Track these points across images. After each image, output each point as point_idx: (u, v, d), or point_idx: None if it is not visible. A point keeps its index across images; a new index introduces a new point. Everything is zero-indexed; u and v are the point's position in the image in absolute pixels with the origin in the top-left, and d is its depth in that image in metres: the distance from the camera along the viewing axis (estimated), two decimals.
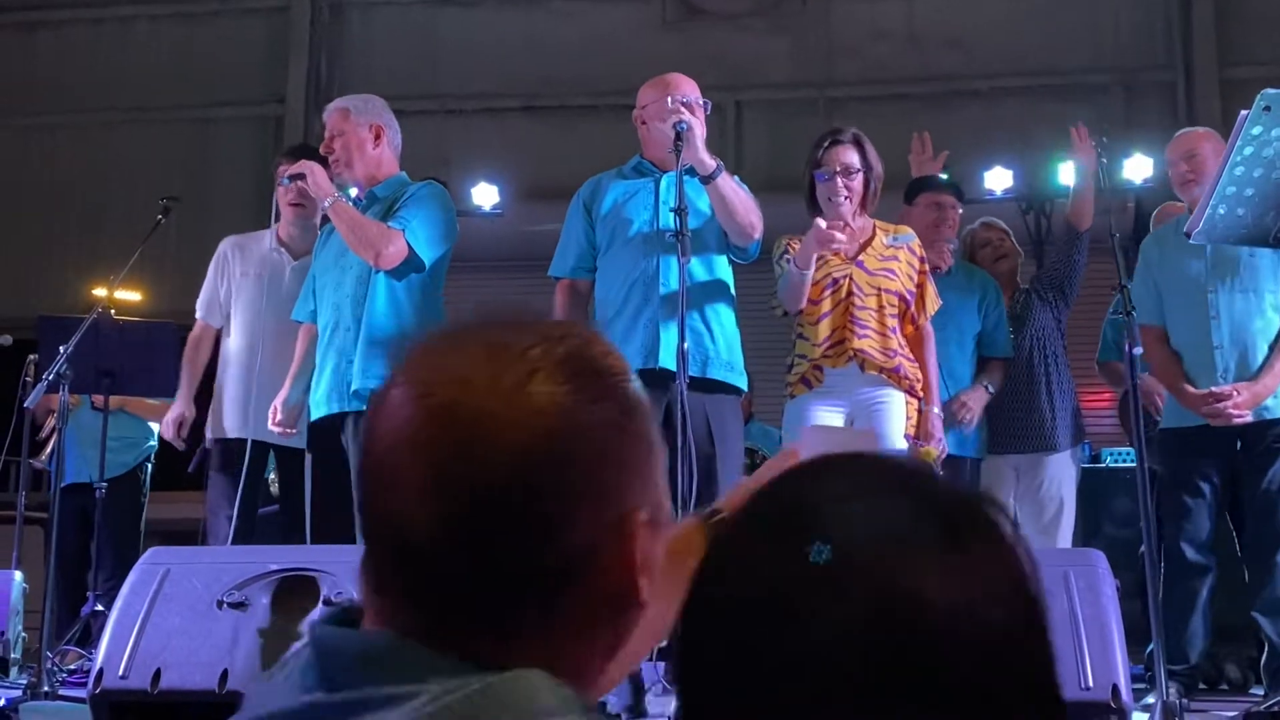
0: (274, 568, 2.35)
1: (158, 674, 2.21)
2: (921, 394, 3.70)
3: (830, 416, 3.63)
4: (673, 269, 3.44)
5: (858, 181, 3.73)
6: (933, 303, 3.81)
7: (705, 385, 3.39)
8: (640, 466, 0.77)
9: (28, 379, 5.20)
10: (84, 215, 7.68)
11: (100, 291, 4.74)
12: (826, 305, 3.67)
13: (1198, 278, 3.71)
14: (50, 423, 5.13)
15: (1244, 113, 2.62)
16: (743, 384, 3.61)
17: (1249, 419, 3.60)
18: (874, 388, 3.64)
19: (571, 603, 0.73)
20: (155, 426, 5.26)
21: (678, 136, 3.34)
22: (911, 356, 3.71)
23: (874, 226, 3.81)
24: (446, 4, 8.66)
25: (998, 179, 6.87)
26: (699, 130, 3.40)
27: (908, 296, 3.74)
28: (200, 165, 8.07)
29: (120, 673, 2.21)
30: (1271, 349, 3.66)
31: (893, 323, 3.69)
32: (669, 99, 3.56)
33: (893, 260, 3.74)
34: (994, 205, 6.50)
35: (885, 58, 8.14)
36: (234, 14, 8.57)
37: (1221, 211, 2.68)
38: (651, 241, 3.54)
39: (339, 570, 2.34)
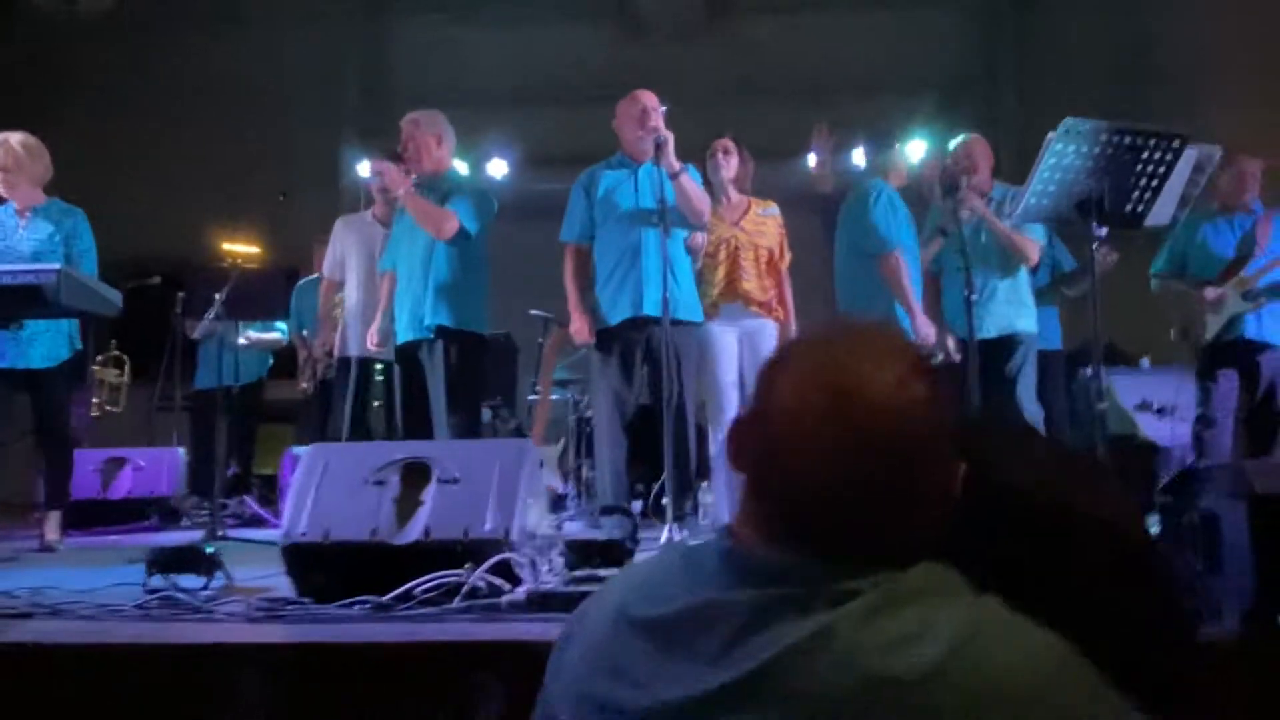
0: (400, 457, 2.43)
1: (327, 530, 2.31)
2: (783, 318, 3.86)
3: (727, 337, 3.76)
4: (651, 240, 3.51)
5: (734, 157, 3.85)
6: (786, 254, 3.94)
7: (674, 322, 3.43)
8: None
9: (178, 311, 5.20)
10: (211, 186, 7.51)
11: (234, 246, 4.71)
12: (721, 257, 3.80)
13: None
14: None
15: (1051, 134, 2.73)
16: (698, 317, 3.65)
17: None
18: (755, 318, 3.79)
19: (930, 522, 0.76)
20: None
21: (658, 146, 3.39)
22: (775, 292, 3.85)
23: (749, 201, 3.90)
24: (457, 23, 8.51)
25: (859, 157, 6.96)
26: (671, 141, 3.42)
27: (774, 251, 3.87)
28: (284, 152, 7.90)
29: (302, 530, 2.31)
30: None
31: (765, 268, 3.83)
32: (645, 111, 3.58)
33: (763, 225, 3.87)
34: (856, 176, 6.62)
35: (778, 67, 8.14)
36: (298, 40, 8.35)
37: (1033, 201, 2.81)
38: (634, 219, 3.58)
39: (443, 458, 2.43)
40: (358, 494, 2.36)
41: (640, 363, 3.55)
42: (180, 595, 2.33)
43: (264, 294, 4.21)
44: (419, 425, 3.63)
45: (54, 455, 3.83)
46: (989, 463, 0.80)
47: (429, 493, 2.37)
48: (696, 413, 3.71)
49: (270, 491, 5.35)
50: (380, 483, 2.38)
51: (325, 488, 2.38)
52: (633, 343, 3.54)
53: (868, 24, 8.18)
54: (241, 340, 4.78)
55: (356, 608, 2.20)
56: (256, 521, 4.75)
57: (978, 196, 3.74)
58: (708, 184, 3.76)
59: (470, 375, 3.61)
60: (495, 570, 2.26)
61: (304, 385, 5.33)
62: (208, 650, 2.00)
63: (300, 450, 5.12)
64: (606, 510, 3.49)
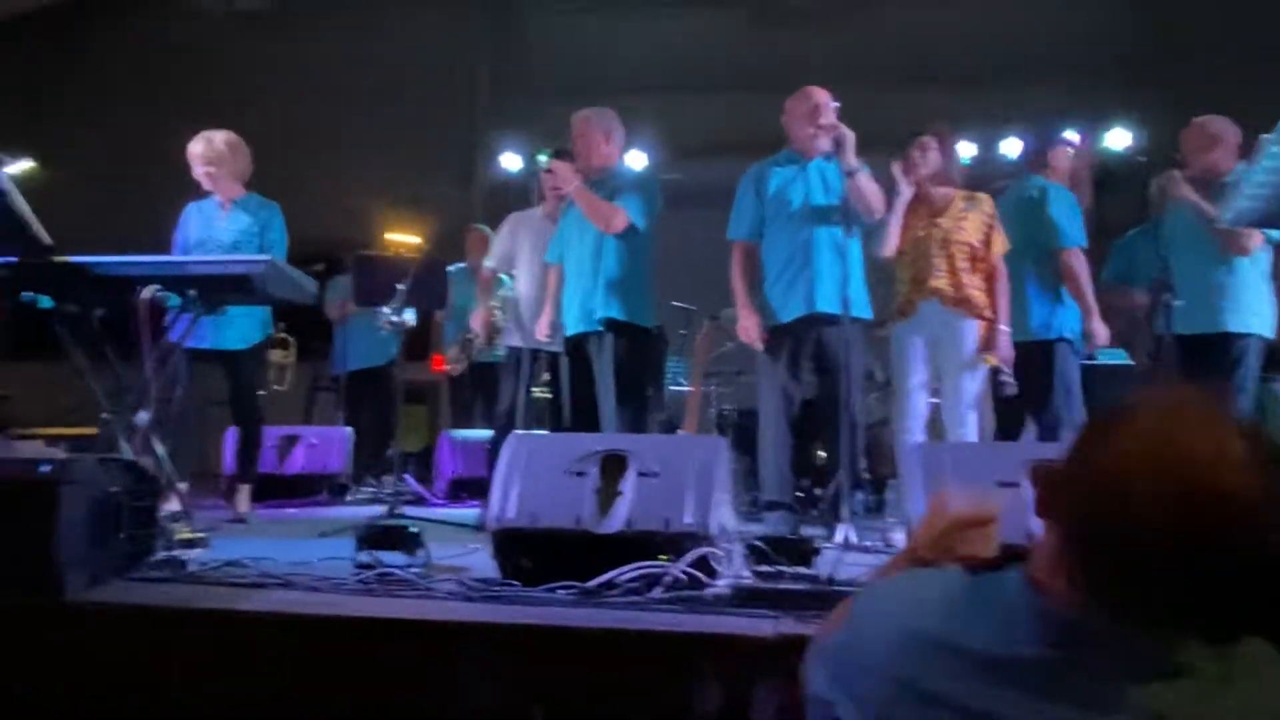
0: (598, 449, 2.52)
1: (535, 516, 2.41)
2: (991, 316, 3.62)
3: (914, 341, 3.65)
4: (823, 237, 3.52)
5: (933, 154, 3.71)
6: (1000, 246, 3.68)
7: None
8: None
9: (346, 297, 5.45)
10: (355, 177, 7.82)
11: (395, 236, 4.88)
12: (911, 256, 3.71)
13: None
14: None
15: (1264, 136, 2.62)
16: (868, 314, 3.64)
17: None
18: (949, 316, 3.62)
19: (1255, 594, 0.74)
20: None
21: (837, 143, 3.38)
22: (982, 288, 3.63)
23: (954, 194, 3.74)
24: (587, 11, 8.59)
25: (1011, 146, 6.81)
26: (851, 139, 3.40)
27: (976, 245, 3.65)
28: (419, 144, 8.16)
29: (511, 516, 2.43)
30: None
31: (964, 264, 3.62)
32: (817, 108, 3.57)
33: (964, 219, 3.69)
34: (1009, 166, 6.46)
35: (917, 54, 7.95)
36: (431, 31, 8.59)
37: (1246, 205, 2.71)
38: (807, 216, 3.58)
39: (641, 451, 2.51)
40: (560, 483, 2.46)
41: (808, 360, 3.57)
42: (398, 572, 2.48)
43: (437, 282, 4.37)
44: (586, 417, 3.73)
45: (246, 432, 4.09)
46: None
47: (628, 484, 2.45)
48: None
49: (426, 470, 5.57)
50: (580, 473, 2.47)
51: (529, 476, 2.48)
52: (803, 340, 3.56)
53: (1003, 10, 7.89)
54: (384, 326, 4.94)
55: (561, 592, 2.30)
56: (418, 500, 4.95)
57: (1187, 186, 3.55)
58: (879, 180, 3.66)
59: (638, 368, 3.69)
60: (694, 563, 2.33)
61: (455, 368, 5.52)
62: (435, 627, 2.13)
63: (458, 433, 5.34)
64: (771, 505, 3.53)
